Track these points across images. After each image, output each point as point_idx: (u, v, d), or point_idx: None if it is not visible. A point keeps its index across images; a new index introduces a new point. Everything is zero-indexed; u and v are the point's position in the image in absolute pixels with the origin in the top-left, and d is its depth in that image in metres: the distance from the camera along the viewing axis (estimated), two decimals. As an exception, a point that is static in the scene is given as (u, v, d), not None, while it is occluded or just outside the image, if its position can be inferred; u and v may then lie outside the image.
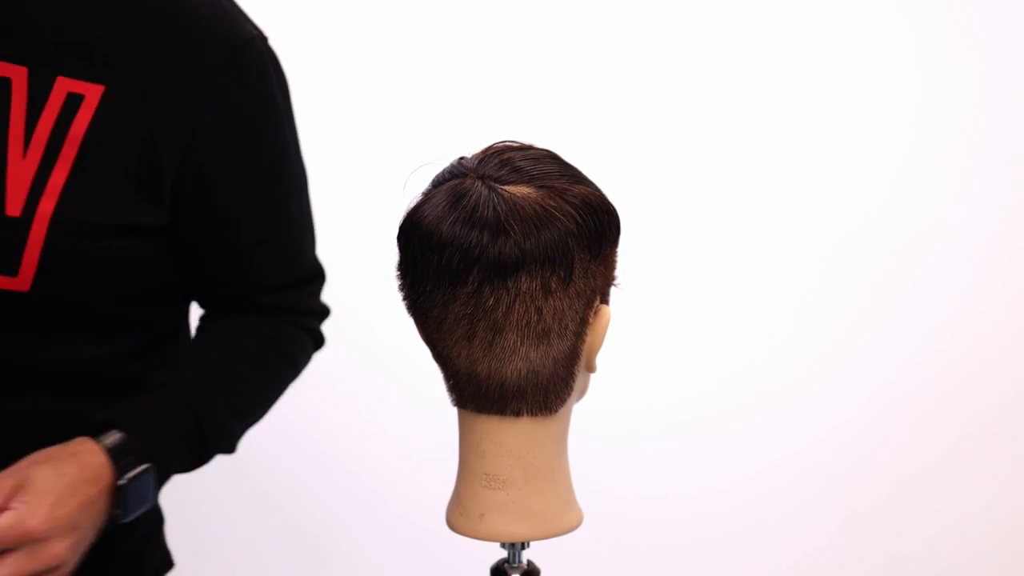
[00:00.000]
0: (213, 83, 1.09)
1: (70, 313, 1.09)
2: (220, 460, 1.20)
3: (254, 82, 1.13)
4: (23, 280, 1.04)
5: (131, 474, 1.03)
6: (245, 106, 1.12)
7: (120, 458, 1.02)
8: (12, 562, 0.94)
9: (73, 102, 1.04)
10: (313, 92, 1.92)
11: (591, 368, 0.98)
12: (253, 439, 1.27)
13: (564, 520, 0.98)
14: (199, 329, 1.23)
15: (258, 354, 1.19)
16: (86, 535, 1.00)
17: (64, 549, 0.96)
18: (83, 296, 1.08)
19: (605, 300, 0.97)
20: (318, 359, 1.31)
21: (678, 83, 1.94)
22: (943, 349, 1.99)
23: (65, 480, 0.97)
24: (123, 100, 1.06)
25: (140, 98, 1.07)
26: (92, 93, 1.05)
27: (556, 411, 0.96)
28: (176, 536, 1.27)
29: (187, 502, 1.90)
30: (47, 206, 1.04)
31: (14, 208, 1.04)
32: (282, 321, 1.22)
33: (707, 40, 1.94)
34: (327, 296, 1.33)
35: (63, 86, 1.04)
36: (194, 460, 1.12)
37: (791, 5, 1.95)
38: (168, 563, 1.28)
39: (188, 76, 1.09)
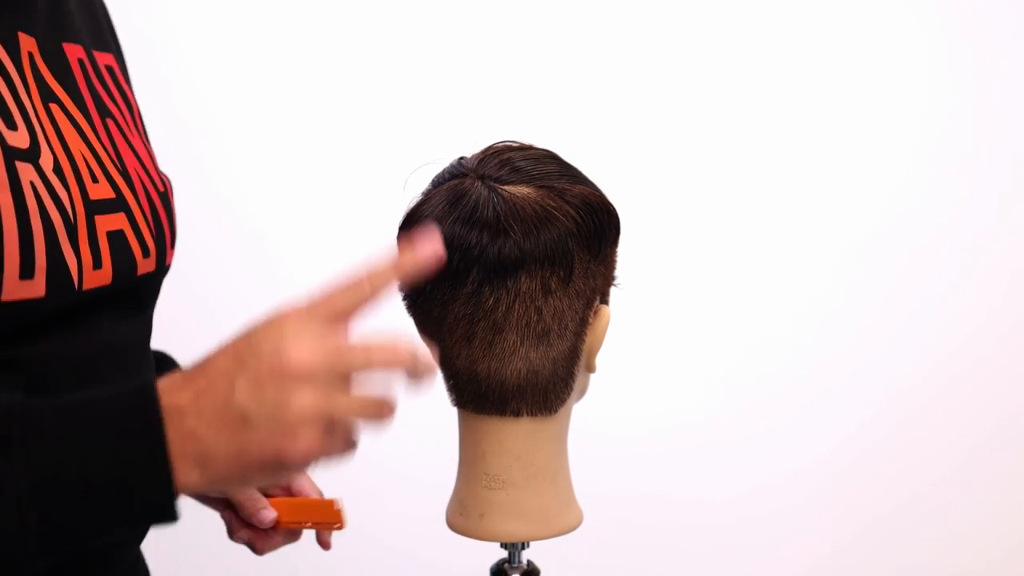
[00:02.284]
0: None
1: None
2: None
3: None
4: (172, 248, 1.01)
5: None
6: None
7: None
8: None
9: (111, 72, 1.02)
10: (313, 92, 1.92)
11: (591, 368, 0.98)
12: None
13: (564, 520, 0.98)
14: None
15: None
16: None
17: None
18: None
19: (605, 300, 0.97)
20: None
21: (682, 83, 1.94)
22: (954, 358, 1.98)
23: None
24: (122, 66, 1.06)
25: (122, 65, 1.07)
26: (112, 62, 1.03)
27: (556, 411, 0.96)
28: (175, 535, 1.27)
29: (187, 501, 1.90)
30: (163, 177, 1.02)
31: (159, 183, 1.00)
32: None
33: (712, 38, 1.94)
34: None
35: (101, 60, 1.02)
36: None
37: (803, 5, 1.94)
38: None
39: (117, 44, 1.08)
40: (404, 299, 0.96)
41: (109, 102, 0.98)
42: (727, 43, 1.94)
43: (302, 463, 0.71)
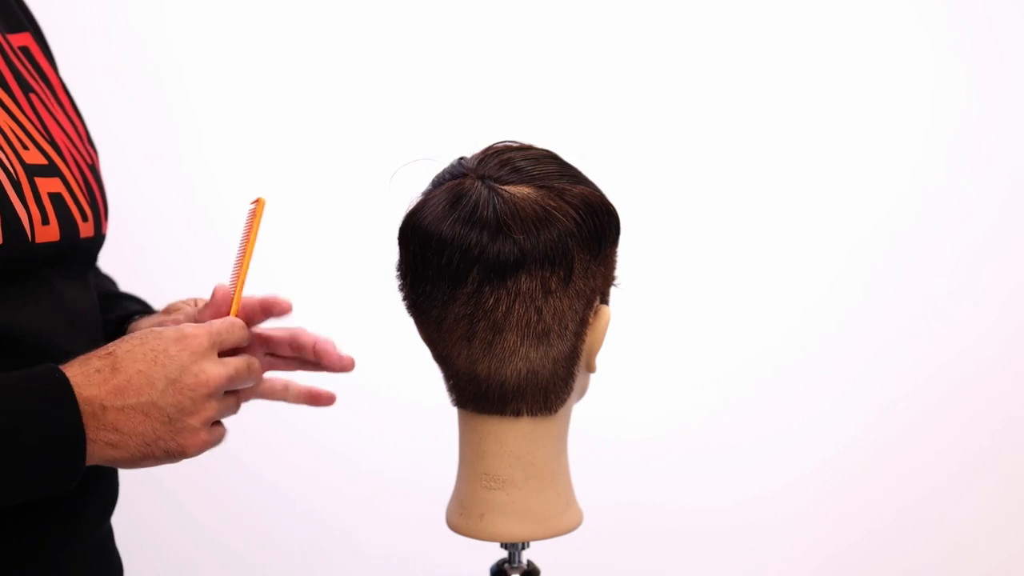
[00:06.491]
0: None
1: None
2: (218, 461, 1.20)
3: None
4: (106, 219, 1.07)
5: None
6: None
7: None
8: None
9: (27, 52, 1.06)
10: (312, 92, 1.92)
11: (591, 368, 0.98)
12: (252, 440, 1.27)
13: (564, 520, 0.98)
14: None
15: None
16: None
17: None
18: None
19: (605, 300, 0.97)
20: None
21: (684, 83, 1.94)
22: (955, 363, 1.97)
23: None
24: (39, 45, 1.09)
25: (41, 44, 1.10)
26: (27, 42, 1.07)
27: (556, 411, 0.96)
28: (174, 537, 1.27)
29: (186, 500, 1.90)
30: (90, 150, 1.07)
31: (87, 154, 1.05)
32: None
33: (714, 38, 1.94)
34: (329, 297, 1.32)
35: (15, 41, 1.05)
36: None
37: (812, 8, 1.94)
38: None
39: (34, 24, 1.12)
40: (404, 299, 0.96)
41: (29, 79, 1.03)
42: (732, 44, 1.94)
43: (198, 454, 0.92)
